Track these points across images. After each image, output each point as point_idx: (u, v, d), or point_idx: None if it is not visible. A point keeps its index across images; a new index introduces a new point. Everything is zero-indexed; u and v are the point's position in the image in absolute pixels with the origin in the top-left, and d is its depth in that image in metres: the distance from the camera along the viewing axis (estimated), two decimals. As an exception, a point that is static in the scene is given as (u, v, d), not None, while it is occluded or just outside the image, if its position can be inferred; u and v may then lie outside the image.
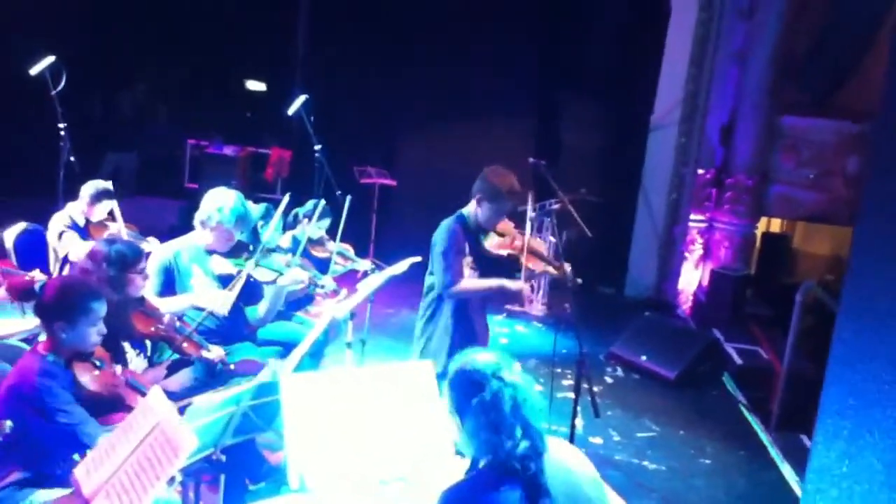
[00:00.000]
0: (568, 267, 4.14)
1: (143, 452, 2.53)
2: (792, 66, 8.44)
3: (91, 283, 3.15)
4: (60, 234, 5.22)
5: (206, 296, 3.98)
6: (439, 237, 3.92)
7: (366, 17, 9.37)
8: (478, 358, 2.20)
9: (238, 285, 4.03)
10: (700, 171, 8.77)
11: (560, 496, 2.05)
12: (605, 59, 9.09)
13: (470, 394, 2.12)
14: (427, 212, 4.03)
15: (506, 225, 4.13)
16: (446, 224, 3.96)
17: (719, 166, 8.72)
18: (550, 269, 4.20)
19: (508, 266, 4.09)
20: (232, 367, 3.81)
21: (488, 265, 4.01)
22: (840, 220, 8.73)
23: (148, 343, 3.85)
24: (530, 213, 4.72)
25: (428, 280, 4.06)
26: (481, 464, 2.10)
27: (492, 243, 4.05)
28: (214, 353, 3.69)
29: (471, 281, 3.92)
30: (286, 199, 4.49)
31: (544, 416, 2.20)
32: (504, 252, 4.06)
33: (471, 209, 3.99)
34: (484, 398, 2.09)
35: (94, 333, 2.99)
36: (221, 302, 3.96)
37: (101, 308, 2.99)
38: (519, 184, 3.97)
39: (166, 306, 3.81)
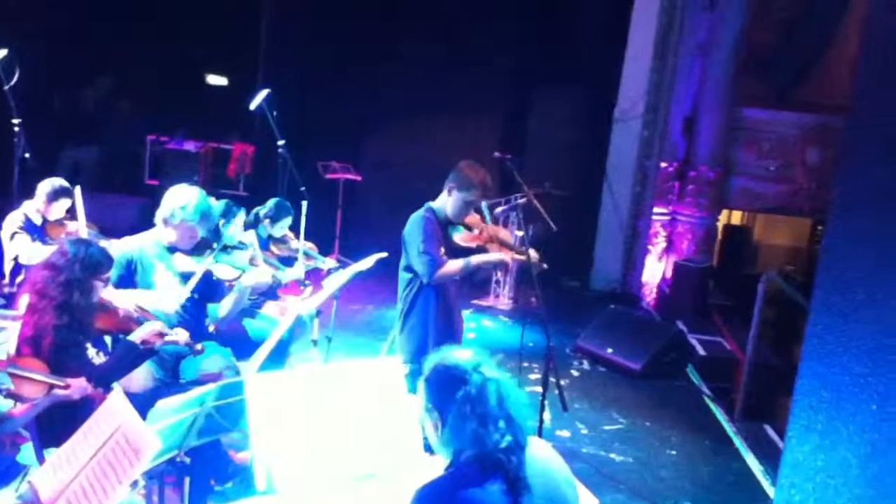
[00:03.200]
0: (534, 253, 4.20)
1: (104, 456, 2.47)
2: (754, 59, 8.55)
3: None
4: (13, 236, 5.07)
5: (152, 296, 3.90)
6: (414, 229, 3.95)
7: (329, 11, 9.27)
8: (455, 354, 2.18)
9: (192, 283, 3.97)
10: (663, 165, 8.85)
11: (539, 492, 2.05)
12: (569, 53, 9.11)
13: (452, 388, 2.10)
14: (393, 207, 4.03)
15: (473, 218, 4.18)
16: (418, 216, 3.99)
17: (682, 159, 8.80)
18: (518, 257, 4.28)
19: (475, 253, 4.12)
20: (199, 347, 3.73)
21: (457, 256, 4.03)
22: (801, 211, 8.90)
23: (108, 339, 3.76)
24: (500, 208, 4.78)
25: (404, 276, 4.05)
26: (464, 456, 2.08)
27: (461, 236, 4.09)
28: (178, 335, 3.60)
29: (453, 262, 3.97)
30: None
31: (528, 411, 2.18)
32: (473, 244, 4.11)
33: (441, 202, 4.03)
34: (469, 391, 2.07)
35: None
36: (170, 304, 3.88)
37: None
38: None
39: (117, 302, 3.72)
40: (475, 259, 4.04)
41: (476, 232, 4.16)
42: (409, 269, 4.02)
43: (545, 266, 4.32)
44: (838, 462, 2.16)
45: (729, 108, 8.54)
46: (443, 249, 3.97)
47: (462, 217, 4.06)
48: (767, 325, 6.17)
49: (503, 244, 4.24)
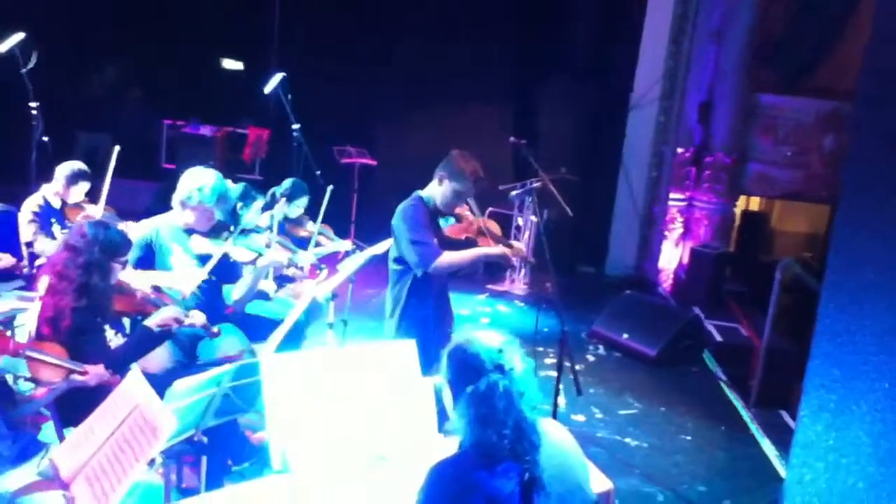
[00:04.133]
0: (520, 245, 4.13)
1: (122, 435, 2.49)
2: (768, 44, 8.47)
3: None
4: (28, 222, 5.10)
5: (169, 276, 3.93)
6: (404, 219, 3.76)
7: (344, -5, 9.27)
8: (482, 339, 2.13)
9: (210, 265, 3.99)
10: (679, 150, 8.79)
11: (553, 480, 2.03)
12: (584, 38, 9.05)
13: (465, 378, 2.08)
14: (408, 191, 3.98)
15: (461, 209, 4.05)
16: (407, 205, 3.81)
17: (698, 145, 8.74)
18: (506, 250, 4.10)
19: (464, 246, 4.00)
20: (216, 329, 3.76)
21: (446, 247, 3.86)
22: (817, 197, 8.82)
23: (126, 321, 3.80)
24: (514, 192, 4.73)
25: (394, 268, 3.88)
26: (469, 442, 2.07)
27: (450, 228, 3.99)
28: (195, 318, 3.63)
29: (452, 253, 3.79)
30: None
31: (540, 409, 2.13)
32: (462, 236, 4.00)
33: (431, 191, 3.86)
34: (478, 388, 2.04)
35: None
36: (186, 282, 3.91)
37: None
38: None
39: (135, 282, 3.75)
40: (475, 252, 3.89)
41: (465, 224, 4.04)
42: (399, 260, 3.84)
43: (533, 259, 4.24)
44: (850, 441, 2.15)
45: (745, 93, 8.46)
46: (435, 239, 3.80)
47: (452, 207, 3.90)
48: (784, 311, 6.12)
49: (492, 237, 4.09)
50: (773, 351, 5.85)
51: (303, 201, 5.62)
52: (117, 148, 5.44)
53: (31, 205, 5.15)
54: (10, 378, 2.95)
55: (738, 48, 8.29)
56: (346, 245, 5.76)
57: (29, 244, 5.09)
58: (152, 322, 3.44)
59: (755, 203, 10.49)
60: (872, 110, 2.17)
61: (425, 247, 3.70)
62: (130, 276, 3.76)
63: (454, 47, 9.05)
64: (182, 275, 3.94)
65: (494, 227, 4.26)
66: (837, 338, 2.14)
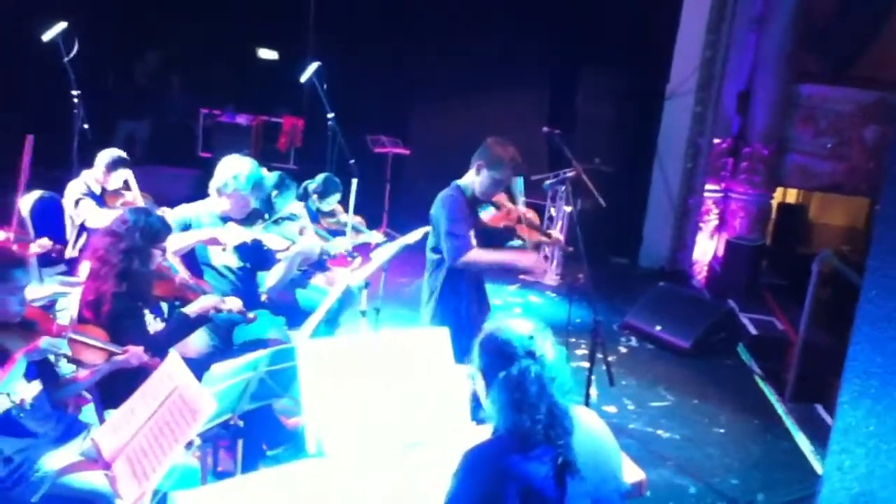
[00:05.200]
0: (559, 235, 4.13)
1: (161, 416, 2.55)
2: (811, 32, 8.31)
3: (12, 253, 3.06)
4: (77, 202, 5.23)
5: (215, 231, 4.00)
6: (443, 208, 3.77)
7: (379, -16, 9.28)
8: (512, 326, 2.14)
9: (254, 234, 4.05)
10: (716, 141, 8.68)
11: (586, 467, 2.04)
12: (620, 27, 8.95)
13: (497, 364, 2.09)
14: (441, 181, 3.98)
15: (500, 196, 4.04)
16: (446, 195, 3.82)
17: (736, 135, 8.63)
18: (544, 239, 4.19)
19: (504, 237, 4.03)
20: (252, 315, 3.82)
21: (485, 237, 3.90)
22: (858, 190, 8.66)
23: (164, 306, 3.87)
24: (548, 181, 4.71)
25: (431, 256, 3.90)
26: (504, 428, 2.09)
27: (488, 216, 3.98)
28: (231, 303, 3.69)
29: (484, 252, 3.79)
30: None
31: (573, 395, 2.13)
32: (501, 224, 4.00)
33: (469, 179, 3.86)
34: (511, 374, 2.05)
35: (15, 303, 2.89)
36: (231, 235, 3.97)
37: (24, 278, 2.90)
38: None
39: (177, 242, 3.83)
40: (507, 257, 3.90)
41: (504, 211, 4.04)
42: (436, 249, 3.85)
43: (570, 248, 4.25)
44: (891, 427, 2.13)
45: (785, 83, 8.32)
46: (472, 231, 3.79)
47: (490, 195, 3.90)
48: (821, 305, 6.03)
49: (530, 226, 4.08)
50: (810, 344, 5.76)
51: (334, 198, 5.67)
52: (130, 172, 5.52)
53: (75, 188, 5.29)
54: (52, 359, 3.02)
55: (780, 36, 8.15)
56: (377, 237, 5.80)
57: (80, 226, 5.20)
58: (191, 310, 3.51)
59: (792, 195, 10.34)
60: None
61: (458, 239, 3.71)
62: (176, 238, 3.82)
63: (488, 37, 9.02)
64: (227, 230, 4.01)
65: (533, 217, 4.25)
66: (879, 323, 2.11)
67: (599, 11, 8.94)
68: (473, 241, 3.78)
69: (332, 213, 5.78)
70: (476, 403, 2.54)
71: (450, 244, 3.71)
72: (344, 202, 5.68)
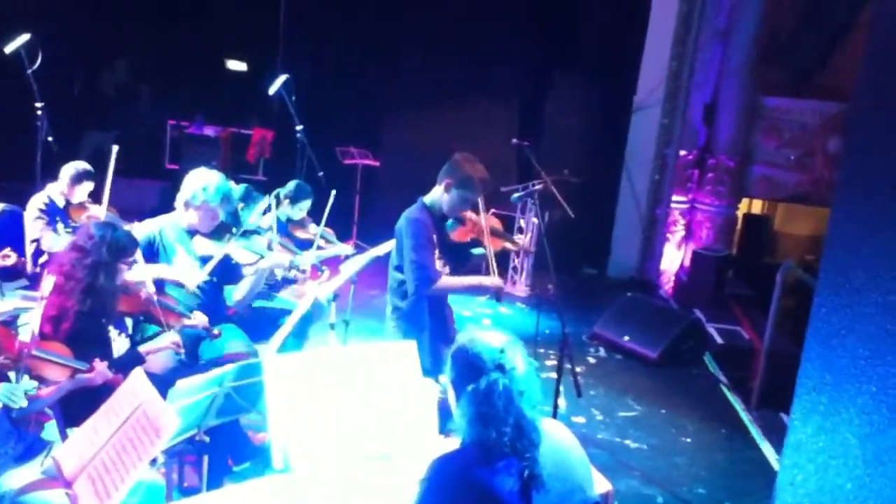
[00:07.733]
0: (524, 238, 4.17)
1: (125, 434, 2.52)
2: (775, 45, 8.46)
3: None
4: (35, 219, 5.14)
5: (174, 270, 3.96)
6: (407, 231, 3.64)
7: (348, -3, 9.30)
8: (484, 339, 2.14)
9: (211, 265, 4.02)
10: (682, 152, 8.80)
11: (553, 479, 2.05)
12: (588, 39, 9.06)
13: (467, 377, 2.09)
14: (411, 192, 3.98)
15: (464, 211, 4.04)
16: (412, 218, 3.68)
17: (702, 147, 8.75)
18: (509, 246, 4.27)
19: (469, 246, 4.07)
20: (216, 331, 3.79)
21: (452, 252, 3.89)
22: (821, 201, 8.80)
23: (129, 321, 3.82)
24: (517, 194, 4.75)
25: (395, 275, 3.80)
26: (471, 439, 2.09)
27: (456, 232, 3.98)
28: (197, 319, 3.67)
29: (450, 279, 3.74)
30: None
31: (541, 409, 2.14)
32: (468, 238, 4.03)
33: (436, 195, 3.75)
34: (479, 387, 2.06)
35: None
36: (191, 277, 3.93)
37: None
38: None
39: (139, 273, 3.77)
40: (473, 281, 3.86)
41: (469, 225, 4.04)
42: (399, 269, 3.74)
43: (533, 249, 4.26)
44: (839, 443, 2.18)
45: (749, 95, 8.48)
46: (437, 252, 3.71)
47: (458, 213, 3.86)
48: (785, 314, 6.13)
49: (496, 234, 4.12)
50: (775, 353, 5.84)
51: (306, 204, 5.64)
52: (115, 148, 5.46)
53: (36, 203, 5.19)
54: (12, 376, 2.97)
55: (744, 48, 8.30)
56: (347, 249, 5.78)
57: (36, 241, 5.11)
58: (146, 349, 3.46)
59: (757, 206, 10.50)
60: (872, 108, 2.18)
61: (424, 271, 3.60)
62: (137, 269, 3.77)
63: (457, 48, 9.07)
64: (186, 271, 3.98)
65: (497, 224, 4.29)
66: (829, 341, 2.16)
67: (568, 24, 9.05)
68: (439, 267, 3.71)
69: (302, 223, 5.75)
70: (445, 414, 2.54)
71: (415, 275, 3.62)
72: (318, 213, 5.65)
